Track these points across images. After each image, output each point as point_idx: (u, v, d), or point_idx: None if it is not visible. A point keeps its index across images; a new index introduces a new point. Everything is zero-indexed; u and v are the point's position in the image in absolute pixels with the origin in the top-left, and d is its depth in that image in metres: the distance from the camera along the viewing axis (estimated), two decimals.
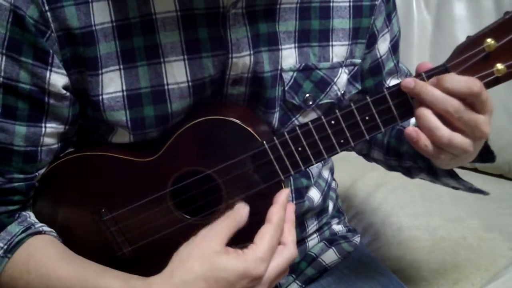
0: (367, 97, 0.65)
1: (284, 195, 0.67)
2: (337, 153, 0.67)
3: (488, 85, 0.63)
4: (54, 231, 0.72)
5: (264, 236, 0.63)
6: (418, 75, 0.64)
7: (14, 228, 0.69)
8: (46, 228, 0.71)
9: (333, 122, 0.66)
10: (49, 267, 0.66)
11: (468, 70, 0.63)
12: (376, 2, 0.77)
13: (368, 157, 0.95)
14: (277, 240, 0.64)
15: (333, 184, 0.97)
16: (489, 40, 0.62)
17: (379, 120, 0.65)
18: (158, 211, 0.70)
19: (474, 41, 0.63)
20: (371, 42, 0.80)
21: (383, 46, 0.82)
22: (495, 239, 1.11)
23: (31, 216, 0.72)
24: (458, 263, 1.05)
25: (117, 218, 0.72)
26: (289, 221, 0.67)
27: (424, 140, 0.63)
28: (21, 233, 0.68)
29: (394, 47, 0.85)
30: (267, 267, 0.63)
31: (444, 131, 0.62)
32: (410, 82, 0.63)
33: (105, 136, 0.73)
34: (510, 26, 0.62)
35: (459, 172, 0.77)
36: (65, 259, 0.68)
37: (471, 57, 0.63)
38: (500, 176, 1.41)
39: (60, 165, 0.72)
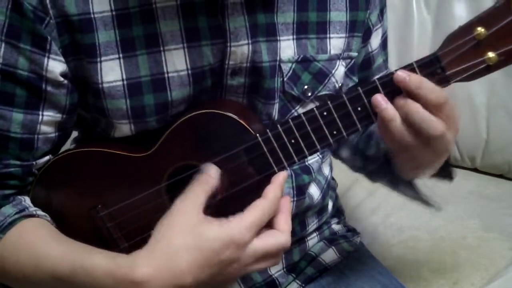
0: (359, 88, 0.65)
1: (281, 176, 0.67)
2: (330, 144, 0.68)
3: (481, 73, 0.63)
4: (47, 215, 0.72)
5: (255, 208, 0.63)
6: (409, 65, 0.64)
7: (7, 210, 0.69)
8: (40, 212, 0.71)
9: (325, 113, 0.66)
10: (38, 247, 0.66)
11: (459, 58, 0.63)
12: None
13: (336, 155, 0.95)
14: (268, 216, 0.63)
15: (333, 183, 0.97)
16: (479, 28, 0.62)
17: (371, 111, 0.65)
18: (153, 206, 0.70)
19: (464, 30, 0.63)
20: (367, 36, 0.80)
21: (375, 41, 0.83)
22: (495, 239, 1.11)
23: (26, 200, 0.72)
24: (458, 263, 1.05)
25: (114, 214, 0.72)
26: (286, 211, 0.66)
27: (391, 109, 0.63)
28: (15, 214, 0.68)
29: (384, 43, 0.86)
30: (253, 236, 0.61)
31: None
32: (402, 75, 0.62)
33: (107, 131, 0.73)
34: (500, 14, 0.62)
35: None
36: (55, 240, 0.67)
37: (461, 45, 0.63)
38: (500, 176, 1.40)
39: (57, 161, 0.72)
